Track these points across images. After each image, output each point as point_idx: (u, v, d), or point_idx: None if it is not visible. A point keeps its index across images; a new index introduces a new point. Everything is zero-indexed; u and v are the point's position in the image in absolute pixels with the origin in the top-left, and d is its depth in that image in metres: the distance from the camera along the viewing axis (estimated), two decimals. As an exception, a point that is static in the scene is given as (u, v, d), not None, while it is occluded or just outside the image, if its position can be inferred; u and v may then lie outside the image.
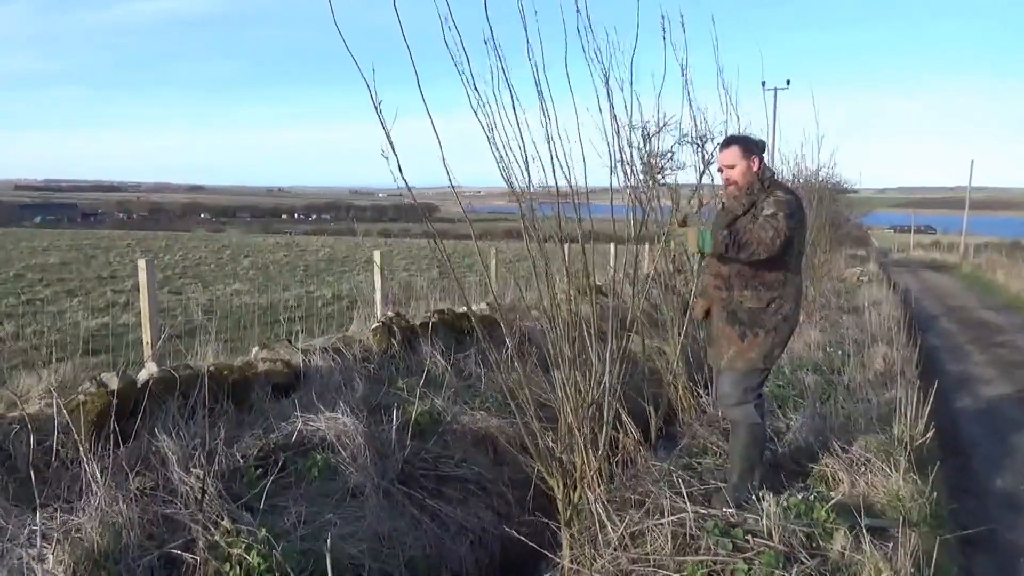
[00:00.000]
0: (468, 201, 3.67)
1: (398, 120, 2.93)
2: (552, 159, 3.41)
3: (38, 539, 2.87)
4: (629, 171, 4.50)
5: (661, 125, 5.18)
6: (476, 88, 3.16)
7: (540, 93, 3.34)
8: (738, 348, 3.58)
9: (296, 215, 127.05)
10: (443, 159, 3.09)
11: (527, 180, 3.42)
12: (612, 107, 3.85)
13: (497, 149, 3.31)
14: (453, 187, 3.19)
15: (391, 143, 2.90)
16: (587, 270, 3.85)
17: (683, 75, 5.01)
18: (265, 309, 9.63)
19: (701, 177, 5.70)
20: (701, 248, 3.36)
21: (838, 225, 18.75)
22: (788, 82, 24.50)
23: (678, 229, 3.39)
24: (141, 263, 4.90)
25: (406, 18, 2.87)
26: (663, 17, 4.35)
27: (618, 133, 3.99)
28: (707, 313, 3.82)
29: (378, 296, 6.91)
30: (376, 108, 2.83)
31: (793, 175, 11.17)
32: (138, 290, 5.06)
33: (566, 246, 3.70)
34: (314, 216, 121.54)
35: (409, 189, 3.10)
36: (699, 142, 5.69)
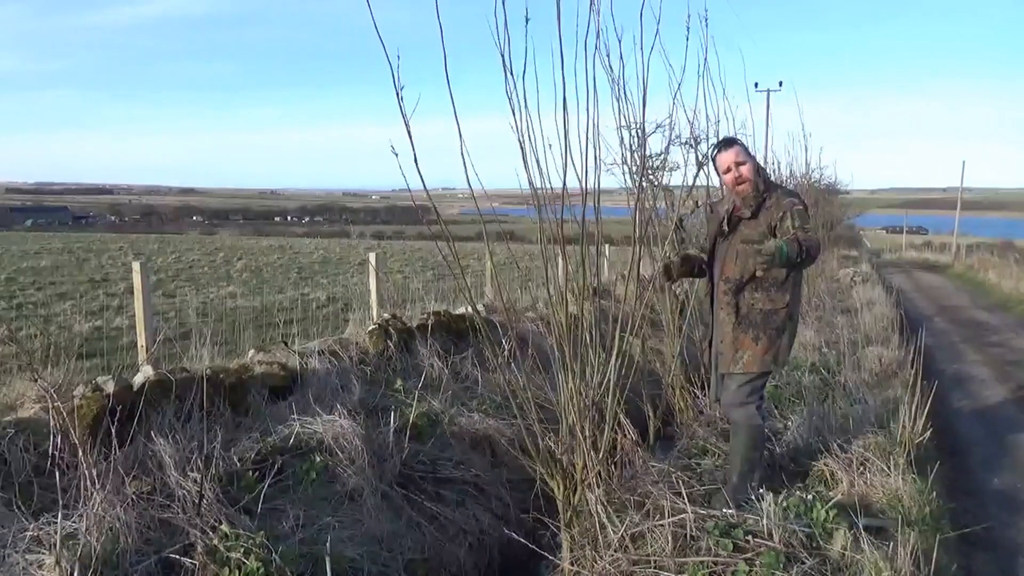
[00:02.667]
0: (462, 203, 3.64)
1: (400, 122, 2.89)
2: (569, 159, 3.39)
3: (36, 545, 2.84)
4: (633, 171, 4.50)
5: (656, 126, 5.17)
6: (512, 73, 3.10)
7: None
8: (752, 351, 3.56)
9: (289, 217, 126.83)
10: (462, 149, 3.05)
11: (560, 179, 3.39)
12: (626, 100, 3.84)
13: (530, 147, 3.28)
14: (468, 181, 3.14)
15: (409, 132, 2.86)
16: (595, 271, 3.83)
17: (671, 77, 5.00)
18: (260, 312, 9.59)
19: (695, 178, 5.69)
20: (781, 261, 3.21)
21: (831, 226, 18.86)
22: (780, 83, 24.65)
23: (760, 246, 3.23)
24: (135, 266, 4.88)
25: (412, 15, 2.84)
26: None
27: (627, 133, 3.99)
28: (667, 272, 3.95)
29: (373, 298, 6.88)
30: (397, 93, 2.78)
31: (786, 177, 11.23)
32: (131, 293, 5.04)
33: (569, 248, 3.68)
34: (307, 218, 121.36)
35: (424, 186, 3.07)
36: (692, 143, 5.69)
